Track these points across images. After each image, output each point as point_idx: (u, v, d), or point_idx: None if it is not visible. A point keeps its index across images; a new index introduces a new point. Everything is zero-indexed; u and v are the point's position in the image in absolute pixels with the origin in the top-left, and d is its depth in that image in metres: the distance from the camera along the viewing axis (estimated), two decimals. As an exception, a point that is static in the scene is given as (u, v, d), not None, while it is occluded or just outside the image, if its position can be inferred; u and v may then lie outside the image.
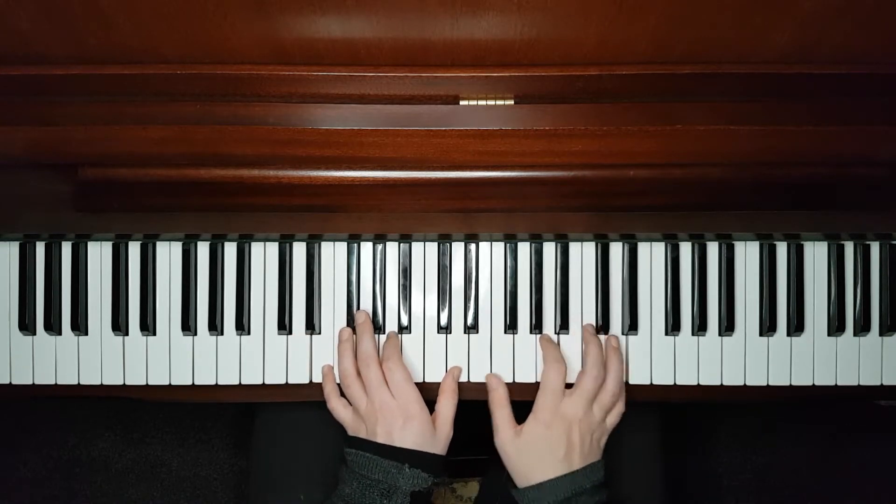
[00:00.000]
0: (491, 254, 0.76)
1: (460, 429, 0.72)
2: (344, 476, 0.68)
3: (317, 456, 0.78)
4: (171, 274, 0.75)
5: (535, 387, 0.75)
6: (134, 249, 0.75)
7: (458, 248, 0.76)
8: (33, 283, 0.75)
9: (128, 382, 0.75)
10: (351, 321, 0.75)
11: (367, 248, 0.76)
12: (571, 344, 0.75)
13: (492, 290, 0.76)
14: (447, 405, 0.71)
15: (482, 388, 0.74)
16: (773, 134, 0.67)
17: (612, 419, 0.71)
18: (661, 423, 0.83)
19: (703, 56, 0.63)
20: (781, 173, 0.70)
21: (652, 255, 0.76)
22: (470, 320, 0.75)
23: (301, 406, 0.79)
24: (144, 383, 0.75)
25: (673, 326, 0.75)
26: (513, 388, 0.74)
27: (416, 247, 0.76)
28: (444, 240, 0.75)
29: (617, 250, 0.76)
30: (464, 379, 0.75)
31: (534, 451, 0.68)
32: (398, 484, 0.65)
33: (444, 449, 0.70)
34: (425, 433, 0.68)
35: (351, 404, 0.71)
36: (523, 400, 0.75)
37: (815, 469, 1.30)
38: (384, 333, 0.75)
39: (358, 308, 0.75)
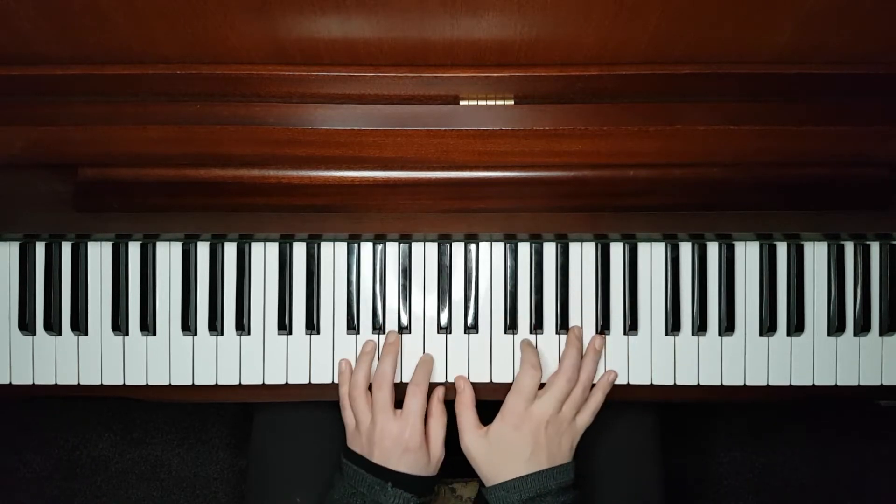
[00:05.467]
0: (491, 254, 0.76)
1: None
2: (335, 481, 0.70)
3: (314, 457, 0.78)
4: (171, 274, 0.75)
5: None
6: (134, 249, 0.75)
7: (458, 248, 0.76)
8: (33, 283, 0.75)
9: (128, 382, 0.75)
10: (351, 321, 0.75)
11: (367, 248, 0.76)
12: (571, 344, 0.75)
13: (492, 290, 0.76)
14: (437, 428, 0.71)
15: (481, 388, 0.74)
16: (773, 134, 0.67)
17: (584, 418, 0.71)
18: (660, 423, 0.83)
19: (703, 56, 0.63)
20: (781, 173, 0.70)
21: (652, 255, 0.76)
22: (470, 320, 0.75)
23: (298, 407, 0.80)
24: (144, 383, 0.75)
25: (673, 326, 0.75)
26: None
27: (416, 247, 0.76)
28: (444, 240, 0.75)
29: (617, 250, 0.76)
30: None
31: (499, 452, 0.68)
32: (380, 500, 0.67)
33: (436, 470, 0.71)
34: (419, 463, 0.69)
35: (355, 416, 0.72)
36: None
37: (815, 469, 1.30)
38: (384, 333, 0.75)
39: (358, 308, 0.75)
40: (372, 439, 0.69)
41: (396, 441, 0.68)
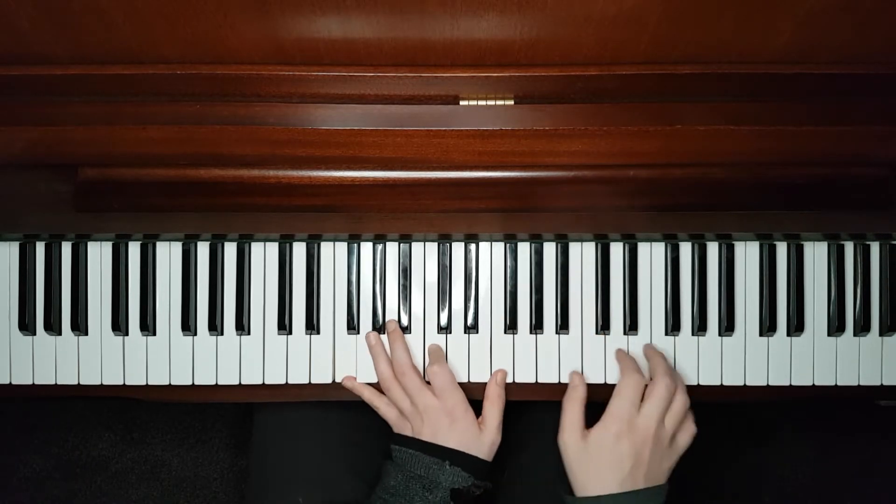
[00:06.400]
0: (491, 254, 0.76)
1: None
2: (388, 469, 0.69)
3: (315, 456, 0.78)
4: (171, 274, 0.75)
5: (534, 387, 0.75)
6: (134, 249, 0.75)
7: (458, 248, 0.76)
8: (33, 283, 0.75)
9: (128, 382, 0.75)
10: (351, 321, 0.75)
11: (367, 248, 0.76)
12: (572, 345, 0.75)
13: (492, 290, 0.76)
14: (493, 411, 0.71)
15: (482, 388, 0.74)
16: (773, 134, 0.67)
17: (685, 438, 0.68)
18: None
19: (703, 56, 0.63)
20: (781, 173, 0.70)
21: (652, 255, 0.76)
22: (470, 320, 0.75)
23: (299, 406, 0.79)
24: (144, 383, 0.75)
25: (673, 326, 0.75)
26: (512, 388, 0.74)
27: (416, 247, 0.76)
28: (444, 240, 0.75)
29: (617, 250, 0.76)
30: (464, 379, 0.75)
31: (598, 461, 0.65)
32: (439, 480, 0.66)
33: (490, 454, 0.70)
34: (470, 434, 0.69)
35: (394, 405, 0.72)
36: (521, 400, 0.75)
37: (815, 469, 1.30)
38: (383, 334, 0.75)
39: (358, 308, 0.75)
40: (418, 418, 0.69)
41: (440, 411, 0.68)
